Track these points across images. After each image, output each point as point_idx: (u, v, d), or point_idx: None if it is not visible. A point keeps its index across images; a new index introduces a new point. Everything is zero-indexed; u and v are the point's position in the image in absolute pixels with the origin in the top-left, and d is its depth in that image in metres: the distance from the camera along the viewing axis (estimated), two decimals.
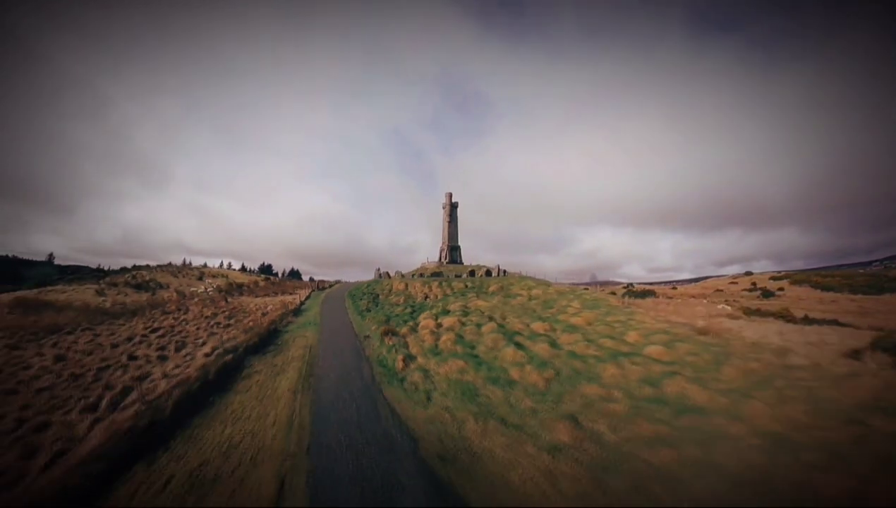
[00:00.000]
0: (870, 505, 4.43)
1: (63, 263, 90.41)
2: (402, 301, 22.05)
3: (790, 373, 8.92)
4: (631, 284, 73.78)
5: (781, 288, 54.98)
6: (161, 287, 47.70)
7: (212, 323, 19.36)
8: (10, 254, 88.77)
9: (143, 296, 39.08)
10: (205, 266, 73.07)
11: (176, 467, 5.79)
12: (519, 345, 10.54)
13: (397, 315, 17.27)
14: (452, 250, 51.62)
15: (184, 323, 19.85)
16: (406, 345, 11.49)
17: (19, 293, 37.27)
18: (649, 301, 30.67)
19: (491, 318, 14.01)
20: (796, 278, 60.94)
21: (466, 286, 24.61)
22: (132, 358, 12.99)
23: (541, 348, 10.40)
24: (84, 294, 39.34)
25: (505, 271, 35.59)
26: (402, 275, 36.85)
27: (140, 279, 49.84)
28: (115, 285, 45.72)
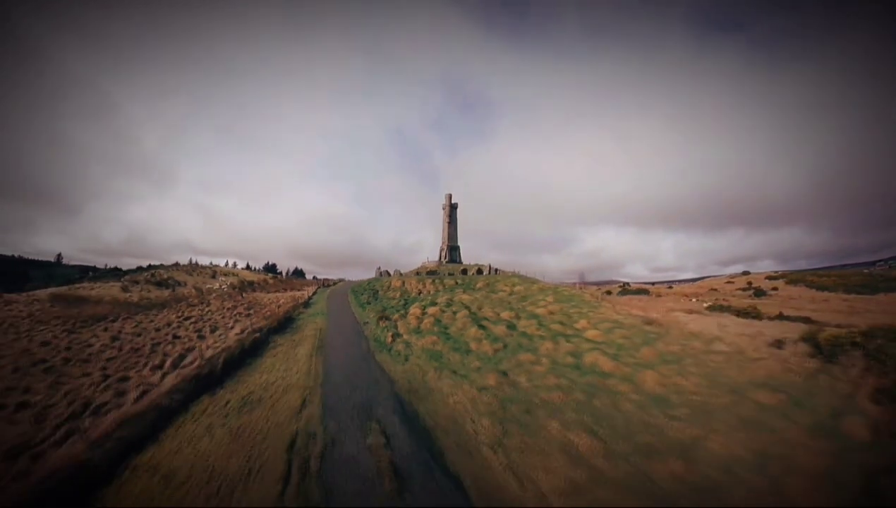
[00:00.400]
0: (705, 446, 5.90)
1: (69, 263, 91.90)
2: (398, 295, 24.95)
3: (704, 356, 10.82)
4: (627, 283, 75.93)
5: (776, 288, 56.69)
6: (179, 284, 51.17)
7: (234, 313, 22.41)
8: (15, 254, 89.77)
9: (165, 292, 42.48)
10: (215, 265, 76.80)
11: (231, 395, 8.71)
12: (482, 327, 13.37)
13: (392, 306, 20.20)
14: (452, 250, 54.33)
15: (209, 313, 22.93)
16: (396, 327, 14.38)
17: (53, 289, 40.82)
18: (627, 297, 33.17)
19: (468, 308, 16.84)
20: (792, 278, 62.54)
21: (456, 283, 27.44)
22: (176, 337, 16.03)
23: (499, 329, 13.21)
24: (111, 290, 42.81)
25: (497, 270, 38.31)
26: (402, 274, 39.85)
27: (159, 277, 53.40)
28: (137, 282, 49.25)
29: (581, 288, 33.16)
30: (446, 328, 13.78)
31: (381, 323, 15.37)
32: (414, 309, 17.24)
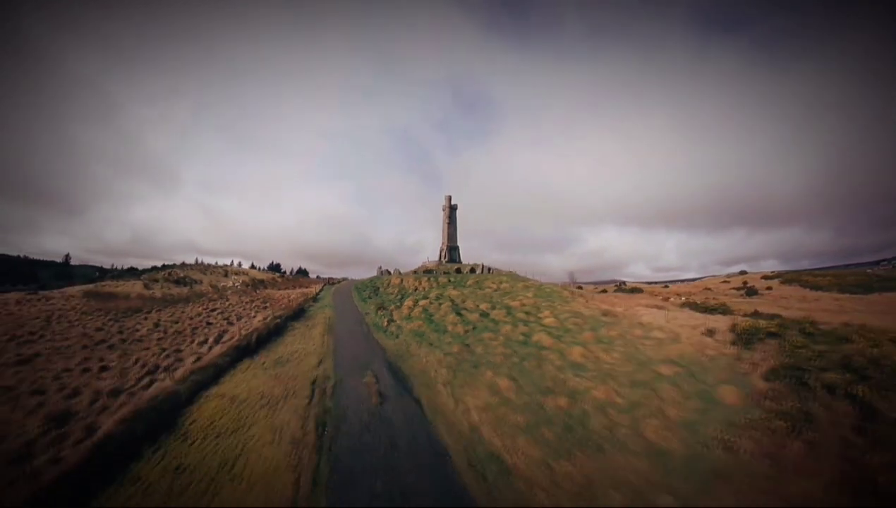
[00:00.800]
0: (591, 394, 8.87)
1: (75, 264, 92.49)
2: (395, 291, 28.06)
3: (638, 339, 12.98)
4: (624, 282, 78.43)
5: (770, 287, 58.24)
6: (196, 282, 54.76)
7: (253, 305, 25.66)
8: (21, 255, 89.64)
9: (185, 289, 46.00)
10: (225, 265, 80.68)
11: (266, 358, 11.89)
12: (460, 315, 16.43)
13: (390, 299, 23.33)
14: (451, 250, 57.17)
15: (231, 306, 26.19)
16: (391, 315, 17.50)
17: (84, 287, 44.53)
18: (605, 295, 35.95)
19: (452, 301, 19.92)
20: (788, 277, 63.83)
21: (449, 281, 30.45)
22: (209, 323, 19.26)
23: (474, 317, 16.26)
24: (134, 287, 46.44)
25: (490, 269, 41.21)
26: (401, 273, 43.02)
27: (176, 275, 57.08)
28: (157, 281, 52.92)
29: (565, 286, 36.01)
30: (431, 315, 16.88)
31: (379, 312, 18.50)
32: (407, 302, 20.35)
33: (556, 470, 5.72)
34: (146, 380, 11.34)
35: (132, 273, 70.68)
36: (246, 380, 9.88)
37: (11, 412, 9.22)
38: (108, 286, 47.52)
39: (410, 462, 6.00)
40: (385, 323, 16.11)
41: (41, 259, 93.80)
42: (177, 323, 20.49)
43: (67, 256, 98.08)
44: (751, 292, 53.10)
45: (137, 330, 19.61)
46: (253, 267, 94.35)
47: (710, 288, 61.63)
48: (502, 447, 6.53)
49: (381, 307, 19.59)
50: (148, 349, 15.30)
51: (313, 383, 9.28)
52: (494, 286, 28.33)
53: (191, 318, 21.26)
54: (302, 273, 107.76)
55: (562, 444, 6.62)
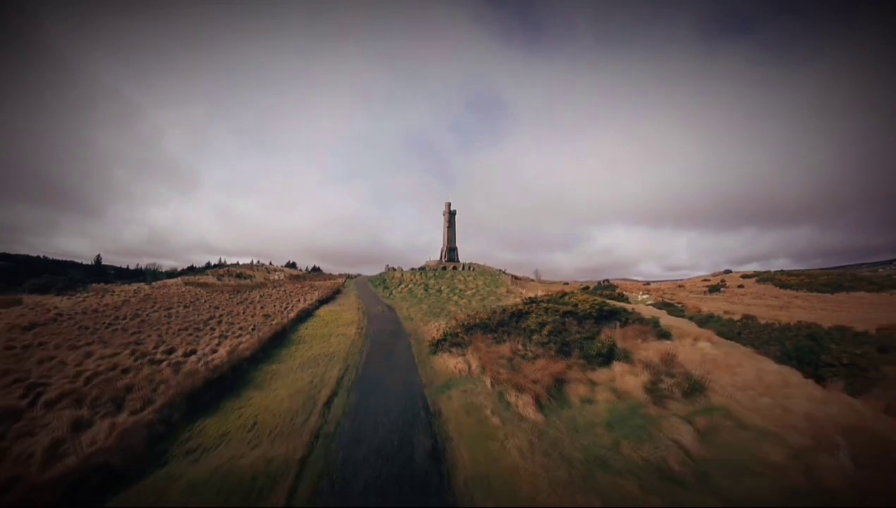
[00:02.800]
0: (451, 310, 25.04)
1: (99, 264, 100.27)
2: (397, 281, 43.57)
3: (504, 299, 29.33)
4: (607, 280, 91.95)
5: (742, 285, 67.36)
6: (251, 277, 71.52)
7: (305, 289, 41.43)
8: (41, 255, 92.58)
9: (246, 281, 62.49)
10: (265, 264, 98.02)
11: (334, 303, 27.62)
12: (426, 290, 31.78)
13: (392, 284, 38.93)
14: (451, 250, 71.30)
15: (293, 290, 42.04)
16: (391, 291, 33.05)
17: (181, 278, 61.56)
18: (536, 283, 50.50)
19: (427, 285, 35.26)
20: (764, 277, 72.48)
21: (434, 274, 45.76)
22: (289, 296, 35.01)
23: (433, 291, 31.63)
24: (210, 279, 63.25)
25: (472, 266, 56.22)
26: (402, 270, 58.67)
27: (235, 272, 74.07)
28: (222, 275, 69.83)
29: (514, 277, 50.76)
30: (412, 291, 32.34)
31: (384, 290, 34.02)
32: (401, 286, 35.77)
33: (425, 320, 21.13)
34: (286, 311, 27.07)
35: (194, 271, 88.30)
36: (331, 308, 25.49)
37: (244, 316, 24.89)
38: (194, 279, 64.56)
39: (389, 320, 21.53)
40: (388, 295, 31.62)
41: (61, 259, 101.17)
42: (270, 296, 36.29)
43: (98, 257, 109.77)
44: (714, 289, 63.91)
45: (252, 299, 35.50)
46: (270, 264, 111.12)
47: (682, 285, 73.59)
48: (414, 316, 22.08)
49: (385, 288, 35.14)
50: (273, 304, 31.09)
51: (358, 308, 24.81)
52: (462, 277, 43.58)
53: (277, 295, 37.08)
54: (315, 271, 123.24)
55: (431, 316, 22.03)
